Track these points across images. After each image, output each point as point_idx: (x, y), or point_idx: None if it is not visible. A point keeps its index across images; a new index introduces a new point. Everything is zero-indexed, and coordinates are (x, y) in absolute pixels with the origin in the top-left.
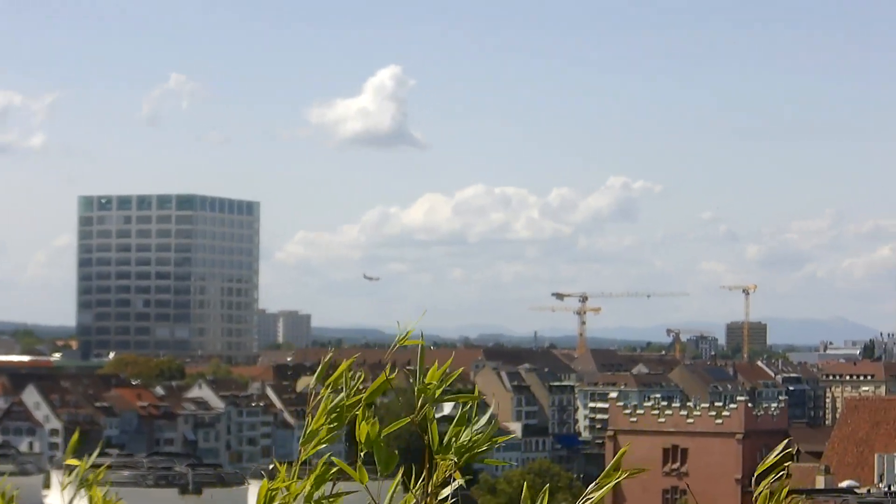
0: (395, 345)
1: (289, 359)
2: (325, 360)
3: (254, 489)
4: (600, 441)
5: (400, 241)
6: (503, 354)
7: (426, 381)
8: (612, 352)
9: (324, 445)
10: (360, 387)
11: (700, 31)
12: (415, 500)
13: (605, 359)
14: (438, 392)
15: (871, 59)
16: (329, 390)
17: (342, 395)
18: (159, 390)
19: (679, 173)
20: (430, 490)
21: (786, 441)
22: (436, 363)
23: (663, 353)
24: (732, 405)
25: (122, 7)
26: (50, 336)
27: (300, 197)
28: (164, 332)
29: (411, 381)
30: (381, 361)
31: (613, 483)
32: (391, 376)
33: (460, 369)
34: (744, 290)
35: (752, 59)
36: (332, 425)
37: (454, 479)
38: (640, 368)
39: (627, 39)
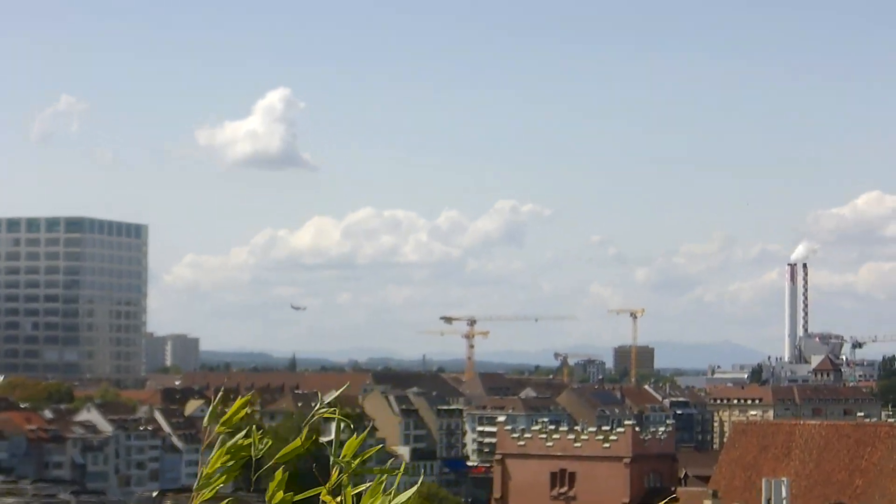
0: None
1: (177, 382)
2: (216, 400)
3: None
4: (488, 465)
5: (289, 265)
6: (392, 378)
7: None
8: (501, 375)
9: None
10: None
11: (589, 54)
12: None
13: (494, 382)
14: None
15: (759, 88)
16: (223, 429)
17: (238, 437)
18: (48, 413)
19: (568, 197)
20: None
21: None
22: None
23: (551, 376)
24: (620, 429)
25: (10, 26)
26: None
27: (189, 219)
28: (53, 355)
29: (300, 405)
30: (270, 385)
31: None
32: (306, 443)
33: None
34: (631, 314)
35: (641, 83)
36: (228, 465)
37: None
38: (528, 392)
39: (516, 62)
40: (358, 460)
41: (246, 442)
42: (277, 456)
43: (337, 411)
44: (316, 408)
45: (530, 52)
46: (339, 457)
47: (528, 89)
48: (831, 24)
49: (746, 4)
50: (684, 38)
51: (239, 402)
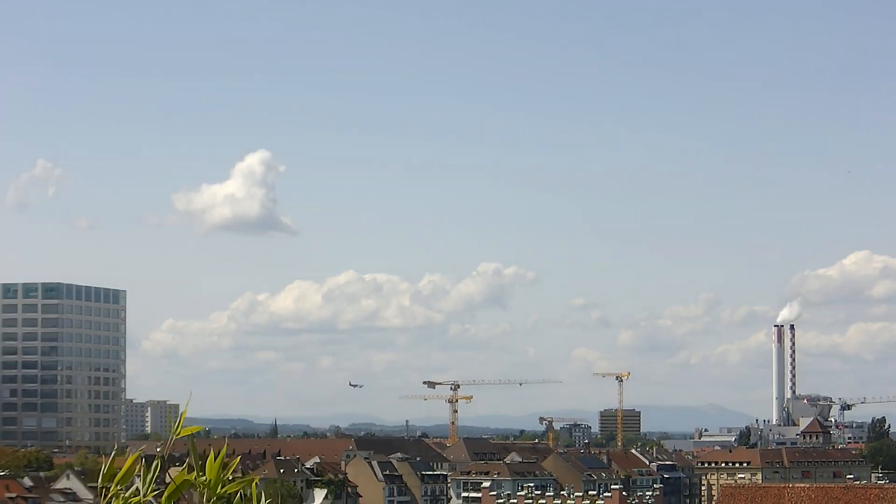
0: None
1: (158, 449)
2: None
3: None
4: None
5: (269, 329)
6: (374, 444)
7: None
8: (485, 440)
9: None
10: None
11: (573, 118)
12: None
13: (478, 447)
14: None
15: (744, 150)
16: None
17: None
18: (27, 481)
19: (551, 259)
20: None
21: None
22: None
23: (536, 441)
24: (607, 493)
25: None
26: None
27: (168, 284)
28: (32, 423)
29: (282, 471)
30: (252, 451)
31: None
32: None
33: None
34: (617, 378)
35: (626, 148)
36: None
37: None
38: (514, 457)
39: (497, 123)
40: None
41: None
42: None
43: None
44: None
45: (512, 113)
46: None
47: (511, 152)
48: (815, 85)
49: (729, 68)
50: (670, 102)
51: (131, 458)
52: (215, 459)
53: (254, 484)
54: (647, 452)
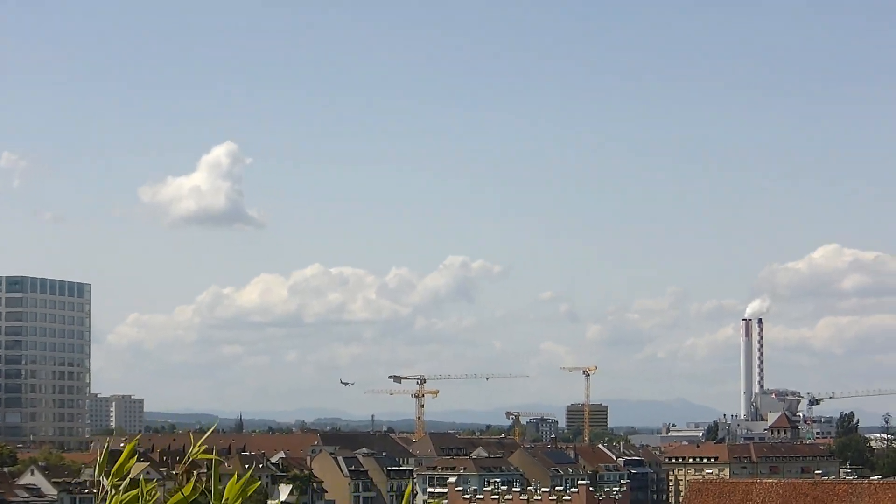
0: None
1: (122, 444)
2: (101, 456)
3: None
4: None
5: (235, 323)
6: (340, 439)
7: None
8: (452, 435)
9: None
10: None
11: (539, 112)
12: None
13: (444, 442)
14: None
15: (713, 141)
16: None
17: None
18: None
19: (518, 253)
20: None
21: None
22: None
23: (503, 436)
24: (573, 489)
25: None
26: None
27: (133, 278)
28: None
29: (247, 466)
30: (215, 448)
31: None
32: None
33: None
34: (584, 372)
35: (592, 141)
36: None
37: None
38: (480, 452)
39: (464, 119)
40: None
41: (133, 493)
42: None
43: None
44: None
45: (478, 107)
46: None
47: (477, 146)
48: (788, 77)
49: (698, 63)
50: (639, 97)
51: (128, 448)
52: (237, 480)
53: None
54: (615, 447)
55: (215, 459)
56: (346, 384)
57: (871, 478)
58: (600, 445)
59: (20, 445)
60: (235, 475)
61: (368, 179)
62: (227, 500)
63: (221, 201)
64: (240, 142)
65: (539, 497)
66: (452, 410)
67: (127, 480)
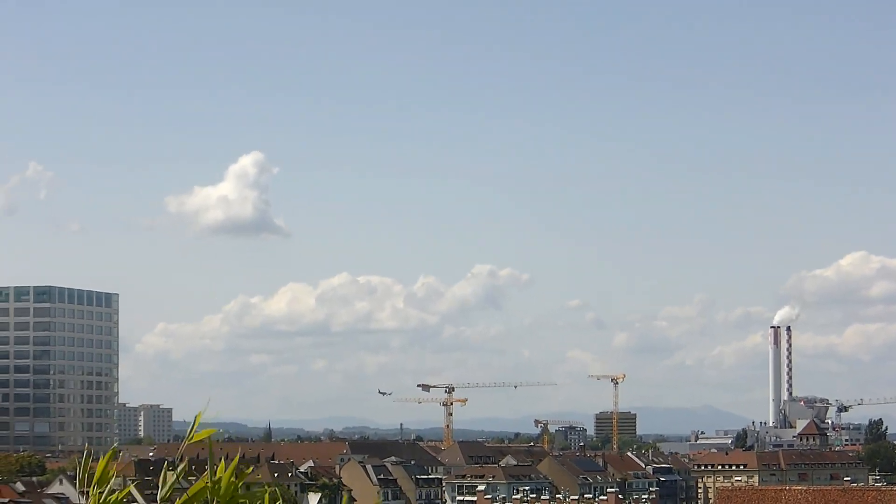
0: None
1: (151, 454)
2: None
3: None
4: None
5: (262, 332)
6: (369, 447)
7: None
8: (480, 443)
9: None
10: None
11: (566, 121)
12: None
13: (473, 451)
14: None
15: (739, 147)
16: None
17: None
18: (20, 486)
19: (545, 261)
20: None
21: None
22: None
23: (532, 444)
24: (602, 497)
25: None
26: None
27: (160, 288)
28: (24, 427)
29: (276, 475)
30: (245, 456)
31: None
32: None
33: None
34: (612, 380)
35: (619, 148)
36: None
37: None
38: (509, 460)
39: (489, 127)
40: None
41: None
42: None
43: None
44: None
45: (507, 116)
46: None
47: (504, 154)
48: (814, 86)
49: (726, 68)
50: (667, 103)
51: (108, 455)
52: (226, 467)
53: (266, 496)
54: (643, 455)
55: (210, 439)
56: (383, 394)
57: None
58: (629, 453)
59: (49, 455)
60: (222, 461)
61: (396, 188)
62: (220, 478)
63: (249, 211)
64: (267, 151)
65: None
66: (481, 419)
67: (107, 488)
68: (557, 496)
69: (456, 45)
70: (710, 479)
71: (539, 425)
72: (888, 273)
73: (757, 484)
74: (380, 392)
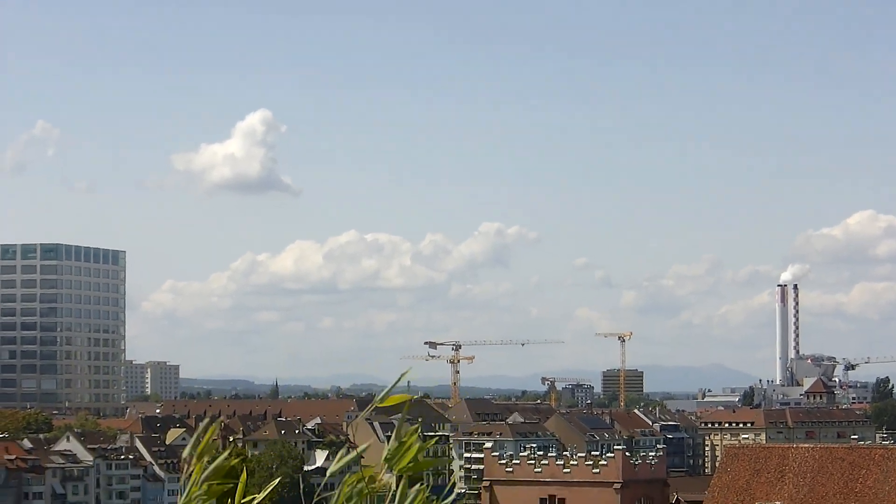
0: None
1: (157, 411)
2: (199, 430)
3: None
4: (476, 492)
5: (270, 290)
6: None
7: None
8: (487, 401)
9: None
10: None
11: (577, 78)
12: None
13: (480, 408)
14: None
15: (748, 108)
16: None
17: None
18: (27, 443)
19: (553, 219)
20: None
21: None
22: None
23: (539, 401)
24: (610, 454)
25: None
26: None
27: (167, 245)
28: (31, 384)
29: (283, 432)
30: (252, 413)
31: None
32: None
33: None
34: (619, 338)
35: (628, 107)
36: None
37: None
38: (516, 417)
39: (501, 85)
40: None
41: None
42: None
43: None
44: None
45: (516, 75)
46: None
47: (513, 112)
48: (822, 45)
49: (737, 25)
50: (671, 59)
51: (211, 430)
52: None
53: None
54: (650, 413)
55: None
56: (431, 352)
57: None
58: (636, 411)
59: (56, 412)
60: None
61: (403, 146)
62: (201, 450)
63: (256, 168)
64: (274, 109)
65: (575, 462)
66: (488, 376)
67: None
68: (564, 453)
69: (461, 6)
70: (717, 437)
71: (546, 383)
72: (895, 232)
73: (764, 442)
74: (427, 345)
